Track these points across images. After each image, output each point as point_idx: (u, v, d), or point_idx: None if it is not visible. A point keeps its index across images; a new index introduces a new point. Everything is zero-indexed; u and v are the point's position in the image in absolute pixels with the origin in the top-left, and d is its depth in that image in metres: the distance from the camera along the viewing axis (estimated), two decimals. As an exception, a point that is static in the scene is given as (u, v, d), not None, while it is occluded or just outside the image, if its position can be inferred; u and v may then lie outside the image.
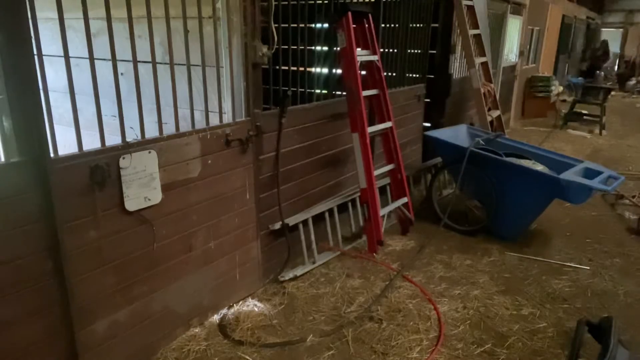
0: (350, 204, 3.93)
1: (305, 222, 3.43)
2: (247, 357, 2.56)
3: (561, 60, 12.61)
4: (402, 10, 4.41)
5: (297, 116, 3.26)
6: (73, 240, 2.06)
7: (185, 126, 2.56)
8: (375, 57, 3.72)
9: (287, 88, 3.30)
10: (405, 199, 4.02)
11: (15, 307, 1.93)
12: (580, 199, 3.77)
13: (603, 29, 18.81)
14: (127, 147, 2.21)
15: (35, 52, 1.82)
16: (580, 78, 11.21)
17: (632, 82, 15.54)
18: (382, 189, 4.15)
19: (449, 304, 3.08)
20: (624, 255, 3.85)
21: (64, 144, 2.10)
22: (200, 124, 2.63)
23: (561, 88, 10.85)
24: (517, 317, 2.98)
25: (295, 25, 3.23)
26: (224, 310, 2.95)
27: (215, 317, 2.88)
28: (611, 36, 18.92)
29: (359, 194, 3.76)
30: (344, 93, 3.61)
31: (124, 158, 2.19)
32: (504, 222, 4.02)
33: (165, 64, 2.46)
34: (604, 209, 4.94)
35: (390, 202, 4.13)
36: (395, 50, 4.45)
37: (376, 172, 3.76)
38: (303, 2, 3.28)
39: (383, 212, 3.80)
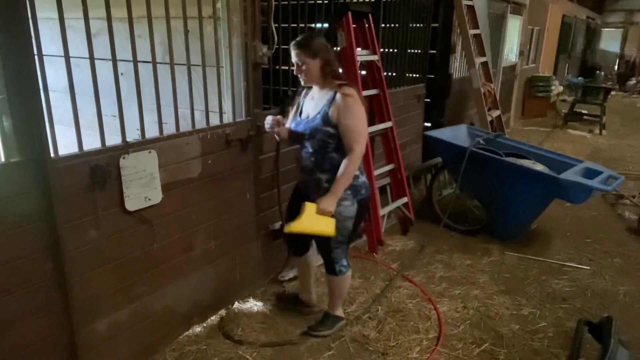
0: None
1: (305, 222, 3.42)
2: (247, 357, 2.56)
3: (561, 60, 12.61)
4: (402, 10, 4.41)
5: (297, 116, 3.25)
6: (73, 240, 2.06)
7: (185, 126, 2.56)
8: (375, 57, 3.72)
9: (287, 88, 3.30)
10: (405, 199, 4.03)
11: (15, 307, 1.93)
12: (580, 199, 3.77)
13: (603, 29, 18.81)
14: (127, 147, 2.21)
15: (35, 52, 1.82)
16: (580, 78, 11.21)
17: (632, 82, 15.54)
18: (382, 189, 4.15)
19: (449, 304, 3.08)
20: (624, 255, 3.86)
21: (65, 144, 2.09)
22: (200, 124, 2.63)
23: (561, 88, 10.85)
24: (517, 317, 2.98)
25: (295, 25, 3.23)
26: (225, 310, 2.95)
27: (216, 317, 2.89)
28: (611, 36, 18.95)
29: (359, 193, 3.75)
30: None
31: (124, 158, 2.19)
32: (504, 222, 4.02)
33: (166, 63, 2.46)
34: (604, 209, 4.94)
35: (390, 202, 4.13)
36: (395, 50, 4.45)
37: (376, 172, 3.76)
38: (303, 2, 3.28)
39: (383, 212, 3.80)
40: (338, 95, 2.35)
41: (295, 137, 2.51)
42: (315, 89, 2.50)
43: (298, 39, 2.42)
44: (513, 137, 5.77)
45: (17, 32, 1.75)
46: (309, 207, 2.34)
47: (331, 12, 3.53)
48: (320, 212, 2.34)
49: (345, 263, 2.65)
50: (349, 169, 2.35)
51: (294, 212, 2.57)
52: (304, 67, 2.39)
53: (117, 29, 2.19)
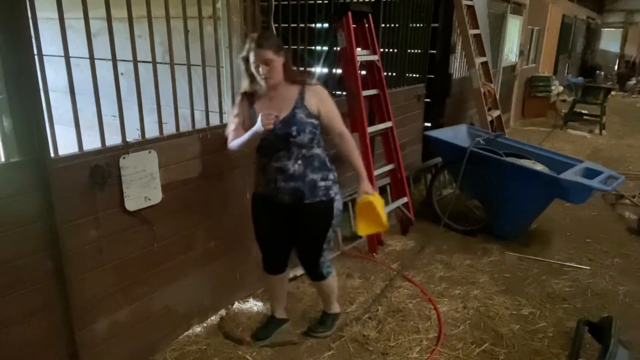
0: (350, 204, 3.92)
1: (305, 222, 3.42)
2: (247, 357, 2.56)
3: (561, 60, 12.61)
4: (402, 10, 4.41)
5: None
6: (73, 240, 2.06)
7: (185, 126, 2.56)
8: (375, 57, 3.72)
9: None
10: (405, 199, 4.03)
11: (15, 307, 1.93)
12: (580, 199, 3.77)
13: (603, 29, 18.82)
14: (127, 147, 2.22)
15: (35, 52, 1.83)
16: (580, 78, 11.20)
17: (632, 82, 15.54)
18: (382, 189, 4.15)
19: (449, 304, 3.08)
20: (624, 255, 3.85)
21: (65, 144, 2.10)
22: (200, 124, 2.63)
23: (561, 88, 10.85)
24: (517, 317, 2.98)
25: (295, 25, 3.23)
26: (225, 310, 2.95)
27: (216, 317, 2.88)
28: (611, 36, 18.95)
29: (359, 193, 3.75)
30: (344, 93, 3.61)
31: (124, 158, 2.19)
32: (504, 222, 4.02)
33: (166, 63, 2.46)
34: (604, 209, 4.94)
35: (390, 202, 4.13)
36: (395, 50, 4.45)
37: (376, 172, 3.76)
38: (303, 2, 3.28)
39: (383, 212, 3.80)
40: (309, 87, 2.32)
41: (273, 141, 2.27)
42: (270, 90, 2.29)
43: (257, 36, 2.23)
44: (513, 137, 5.76)
45: (17, 32, 1.75)
46: (364, 202, 2.45)
47: (331, 12, 3.53)
48: (370, 195, 2.45)
49: (329, 263, 2.60)
50: (355, 151, 2.45)
51: (279, 233, 2.50)
52: (270, 66, 2.20)
53: (117, 29, 2.19)
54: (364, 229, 2.56)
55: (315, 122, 2.32)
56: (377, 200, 2.46)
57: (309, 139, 2.29)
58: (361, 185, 2.45)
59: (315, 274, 2.57)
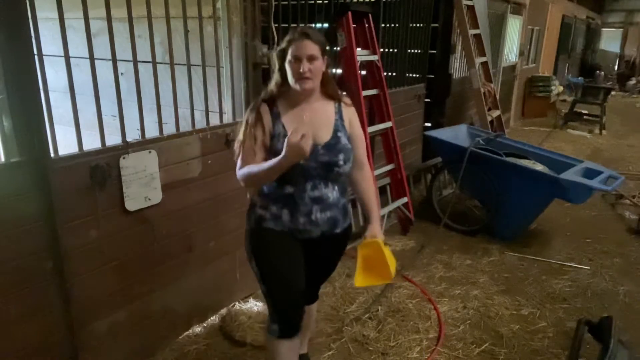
0: (349, 204, 3.92)
1: (305, 222, 3.42)
2: (248, 357, 2.56)
3: (561, 60, 12.61)
4: (402, 10, 4.41)
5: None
6: (73, 240, 2.06)
7: (185, 126, 2.56)
8: (375, 57, 3.72)
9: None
10: (405, 199, 4.03)
11: (15, 307, 1.93)
12: (580, 199, 3.77)
13: (603, 29, 18.83)
14: (127, 147, 2.21)
15: (35, 51, 1.83)
16: (580, 78, 11.21)
17: (632, 82, 15.55)
18: (382, 189, 4.15)
19: (449, 304, 3.08)
20: (624, 255, 3.85)
21: (65, 144, 2.10)
22: (200, 124, 2.63)
23: (561, 88, 10.85)
24: (517, 317, 2.98)
25: (295, 25, 3.23)
26: (225, 310, 2.95)
27: (216, 317, 2.88)
28: (611, 36, 18.96)
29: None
30: (344, 93, 3.61)
31: (124, 158, 2.19)
32: (504, 222, 4.02)
33: (166, 63, 2.46)
34: (604, 209, 4.94)
35: (390, 202, 4.13)
36: (395, 50, 4.45)
37: (376, 172, 3.76)
38: (303, 2, 3.28)
39: (383, 212, 3.80)
40: (345, 106, 1.97)
41: (309, 168, 1.80)
42: (302, 100, 1.86)
43: (306, 28, 1.92)
44: (513, 137, 5.77)
45: (17, 32, 1.75)
46: (375, 247, 1.93)
47: (331, 12, 3.53)
48: (380, 240, 1.96)
49: None
50: (373, 188, 2.09)
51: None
52: (312, 65, 1.76)
53: (117, 29, 2.19)
54: (363, 280, 1.96)
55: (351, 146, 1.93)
56: (385, 247, 1.94)
57: (350, 168, 1.94)
58: (373, 227, 1.99)
59: (317, 294, 2.27)
